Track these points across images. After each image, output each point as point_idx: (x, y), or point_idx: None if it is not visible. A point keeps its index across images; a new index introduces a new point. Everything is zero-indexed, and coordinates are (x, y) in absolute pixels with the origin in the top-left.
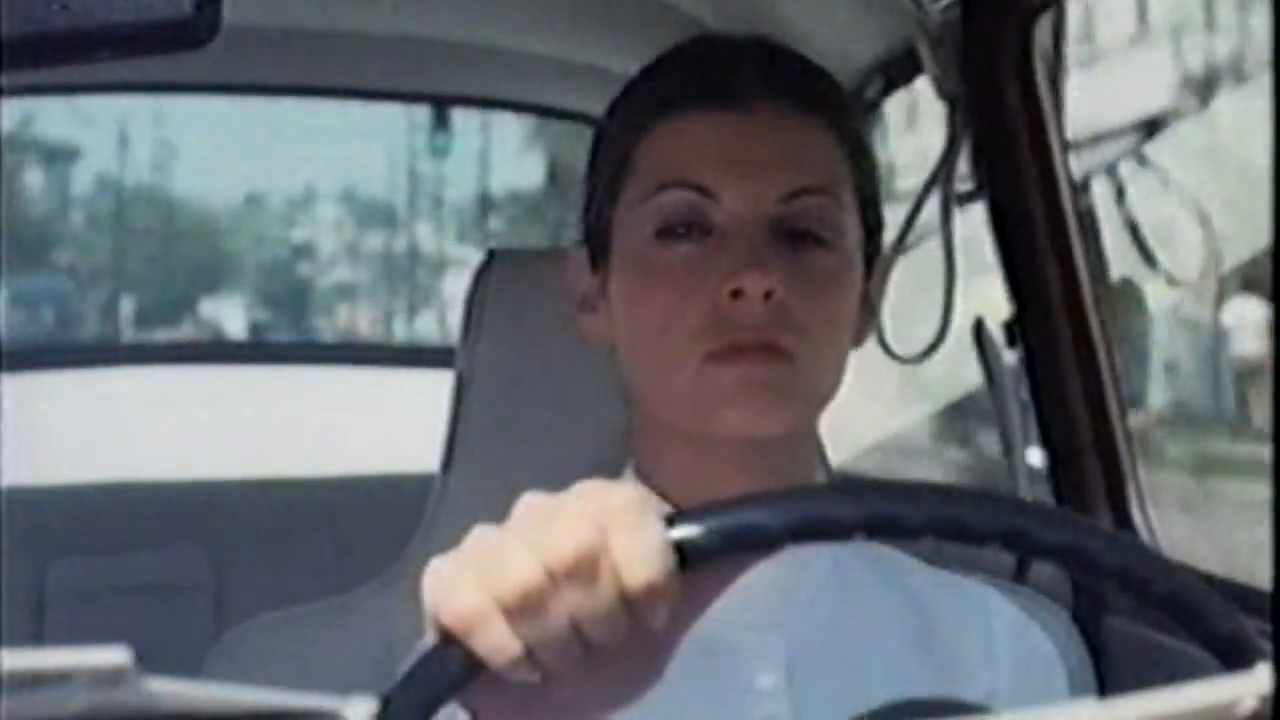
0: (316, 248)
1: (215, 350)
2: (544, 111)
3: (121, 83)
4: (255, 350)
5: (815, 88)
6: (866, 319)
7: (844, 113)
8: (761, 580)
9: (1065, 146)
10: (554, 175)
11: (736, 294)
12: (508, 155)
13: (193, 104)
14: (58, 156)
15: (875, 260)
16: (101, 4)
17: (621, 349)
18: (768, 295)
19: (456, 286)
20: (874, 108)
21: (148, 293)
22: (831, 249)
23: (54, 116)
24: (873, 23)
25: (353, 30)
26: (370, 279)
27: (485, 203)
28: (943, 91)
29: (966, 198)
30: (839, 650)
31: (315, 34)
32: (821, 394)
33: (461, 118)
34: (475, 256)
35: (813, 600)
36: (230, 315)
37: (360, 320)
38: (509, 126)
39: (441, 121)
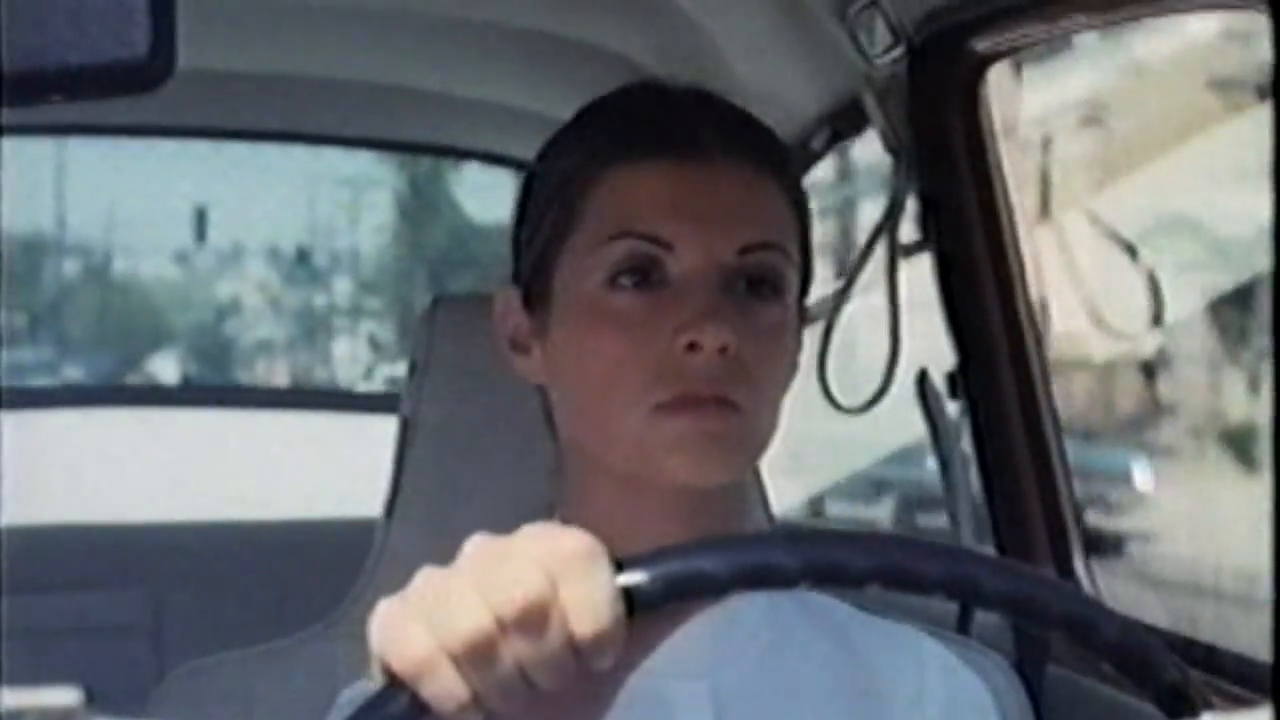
0: (242, 304)
1: (160, 395)
2: (485, 158)
3: (74, 125)
4: (200, 395)
5: (763, 142)
6: (791, 371)
7: (789, 167)
8: (690, 628)
9: (1010, 198)
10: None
11: (691, 346)
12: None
13: (133, 180)
14: (32, 248)
15: (804, 315)
16: (55, 46)
17: (561, 391)
18: (723, 349)
19: (342, 349)
20: (819, 159)
21: (105, 355)
22: (779, 302)
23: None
24: (819, 74)
25: (303, 75)
26: (284, 337)
27: (361, 288)
28: (889, 143)
29: (912, 249)
30: (768, 697)
31: (268, 79)
32: (763, 443)
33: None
34: (356, 325)
35: (743, 647)
36: (165, 370)
37: (276, 373)
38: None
39: (303, 259)
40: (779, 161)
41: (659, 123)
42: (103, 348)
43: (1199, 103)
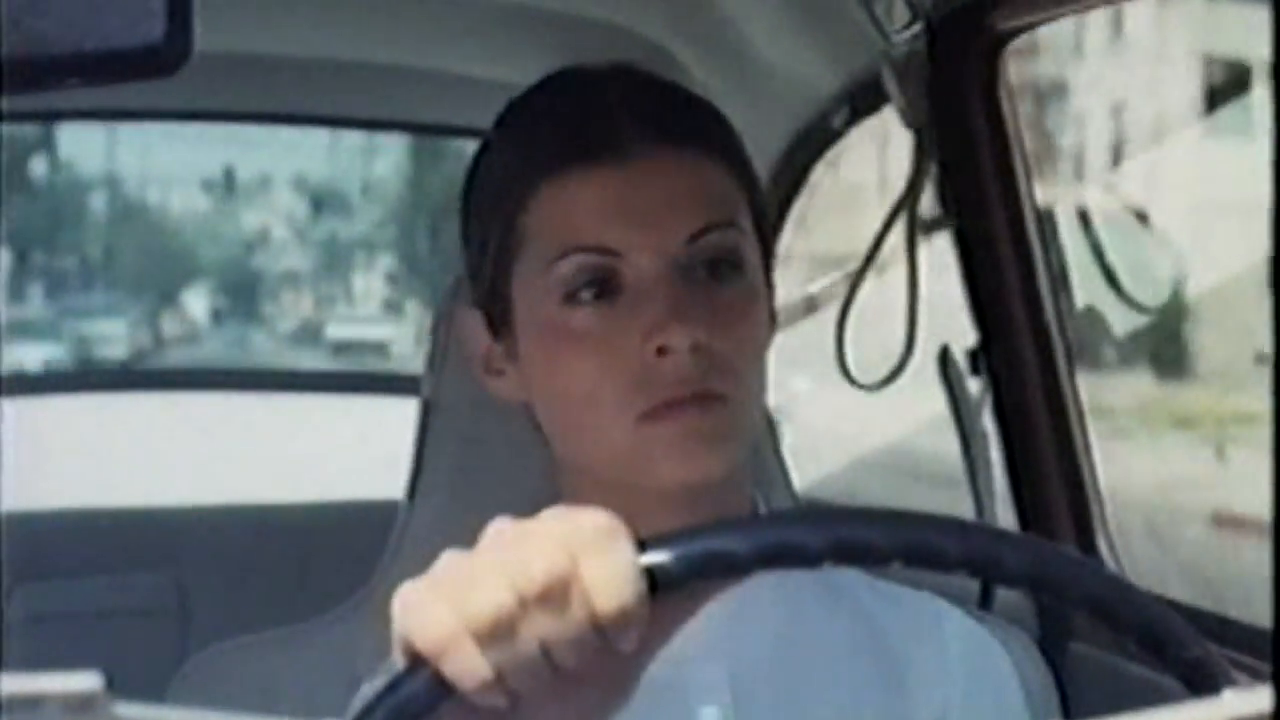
0: (270, 236)
1: (185, 377)
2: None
3: (91, 109)
4: (224, 378)
5: (693, 122)
6: (771, 320)
7: (724, 137)
8: (705, 608)
9: (1030, 174)
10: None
11: (662, 350)
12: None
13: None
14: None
15: (770, 260)
16: (72, 31)
17: (542, 410)
18: (694, 347)
19: (361, 285)
20: (839, 137)
21: (142, 292)
22: (740, 277)
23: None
24: (838, 52)
25: (317, 58)
26: (310, 268)
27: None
28: (908, 120)
29: (932, 225)
30: (786, 675)
31: (286, 61)
32: (754, 423)
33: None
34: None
35: (759, 626)
36: (196, 304)
37: (302, 303)
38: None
39: (319, 205)
40: (712, 136)
41: (583, 128)
42: (143, 288)
43: None
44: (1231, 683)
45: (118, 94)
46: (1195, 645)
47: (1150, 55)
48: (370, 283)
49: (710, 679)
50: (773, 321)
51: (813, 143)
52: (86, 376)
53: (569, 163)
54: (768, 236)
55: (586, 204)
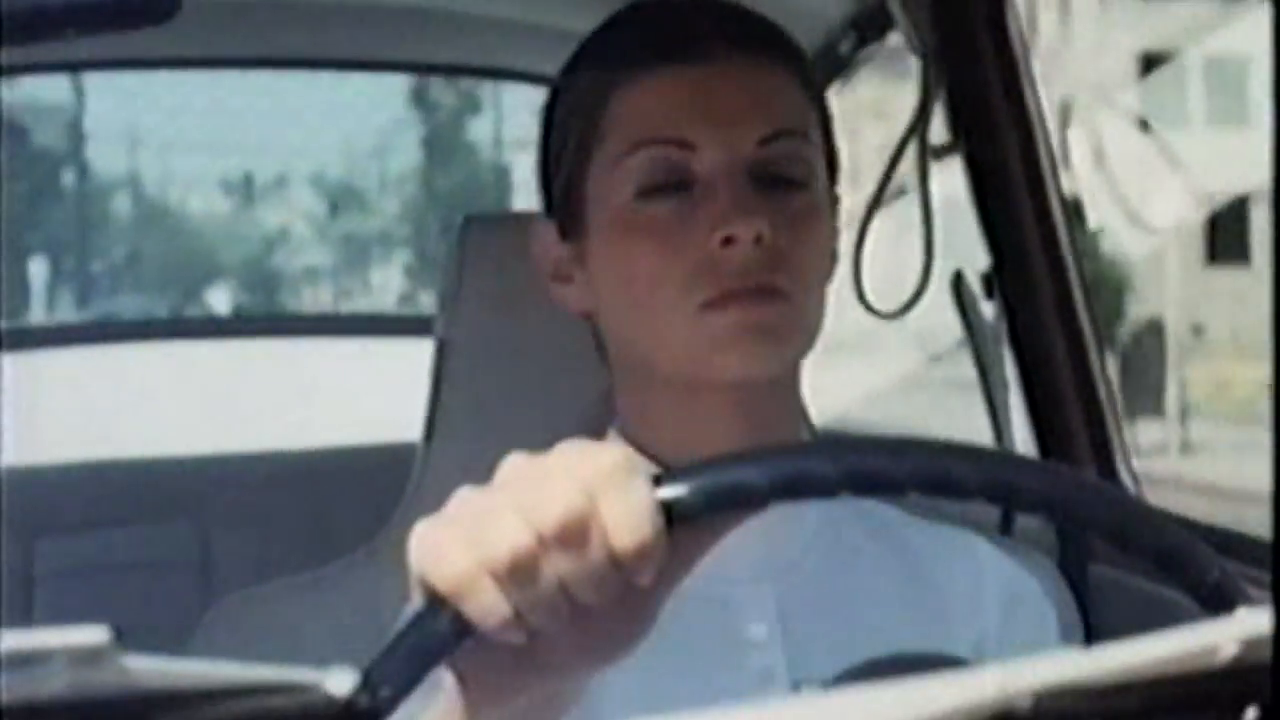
0: (289, 232)
1: (199, 326)
2: (518, 77)
3: (89, 60)
4: (238, 325)
5: (769, 36)
6: (832, 260)
7: (802, 62)
8: (750, 534)
9: (1039, 97)
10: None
11: (727, 241)
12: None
13: (190, 119)
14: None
15: (835, 202)
16: None
17: (607, 311)
18: (758, 239)
19: (380, 278)
20: (846, 64)
21: (166, 289)
22: (807, 189)
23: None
24: None
25: (374, 3)
26: (331, 263)
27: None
28: (915, 46)
29: (942, 152)
30: (830, 600)
31: (281, 5)
32: (811, 333)
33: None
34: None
35: (802, 552)
36: (218, 300)
37: (321, 296)
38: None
39: (335, 208)
40: (787, 52)
41: (667, 33)
42: (169, 288)
43: None
44: (1247, 600)
45: (119, 43)
46: (1213, 568)
47: None
48: (388, 277)
49: (757, 598)
50: (835, 239)
51: (820, 70)
52: (96, 329)
53: (650, 62)
54: (835, 157)
55: (664, 100)
